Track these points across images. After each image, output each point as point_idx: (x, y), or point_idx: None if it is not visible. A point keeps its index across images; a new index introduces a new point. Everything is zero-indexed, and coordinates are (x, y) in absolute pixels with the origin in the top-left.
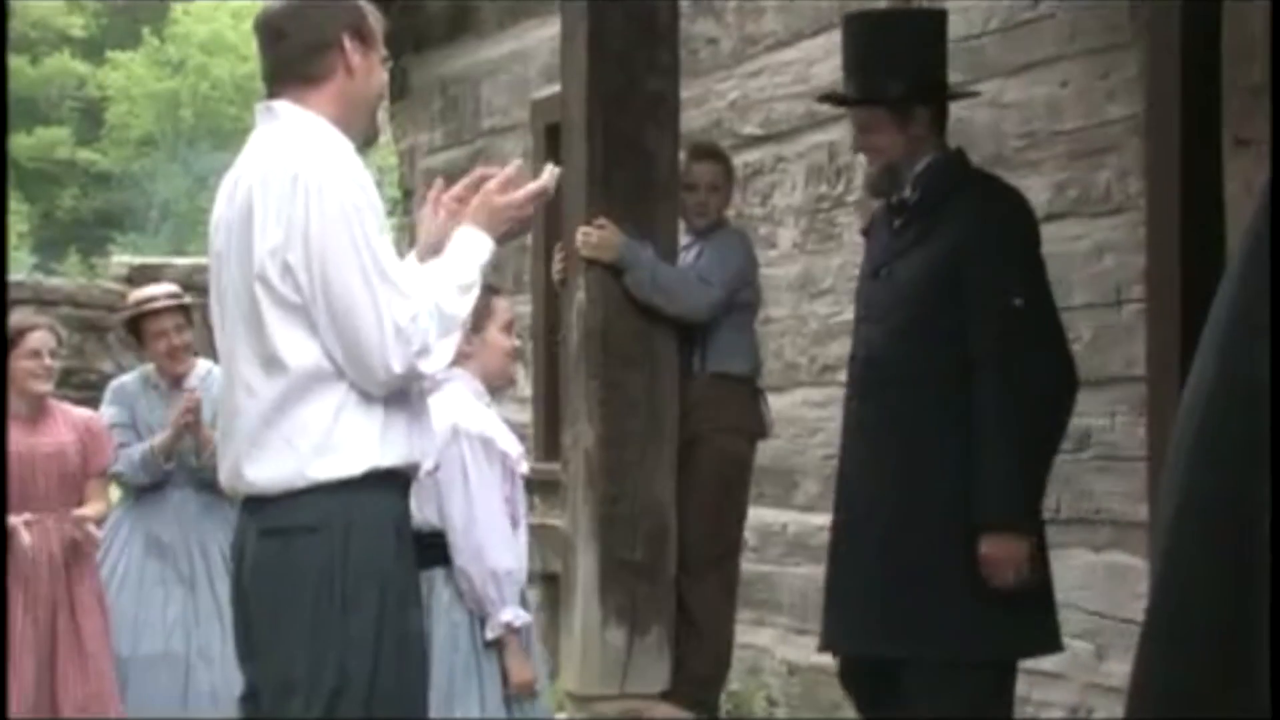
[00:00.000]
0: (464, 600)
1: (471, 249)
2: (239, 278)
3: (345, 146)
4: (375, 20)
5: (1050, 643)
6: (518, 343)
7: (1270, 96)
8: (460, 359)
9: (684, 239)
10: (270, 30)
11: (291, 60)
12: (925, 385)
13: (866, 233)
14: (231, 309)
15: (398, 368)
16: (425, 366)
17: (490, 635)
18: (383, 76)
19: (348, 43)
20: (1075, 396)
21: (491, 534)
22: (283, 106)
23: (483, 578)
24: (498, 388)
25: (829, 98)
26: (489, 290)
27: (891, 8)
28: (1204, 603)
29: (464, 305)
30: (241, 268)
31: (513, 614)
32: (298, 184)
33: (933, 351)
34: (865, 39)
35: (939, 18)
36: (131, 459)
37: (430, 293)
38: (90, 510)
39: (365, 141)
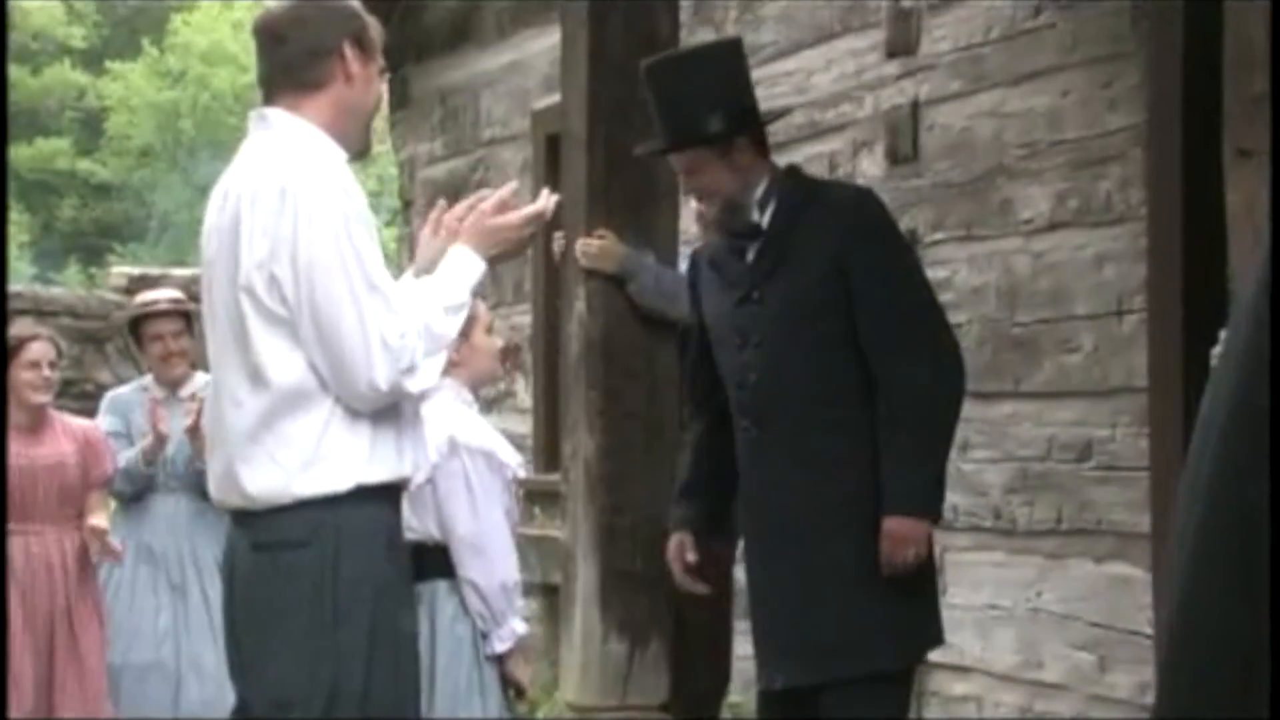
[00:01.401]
0: (469, 613)
1: (462, 269)
2: (226, 289)
3: (337, 156)
4: (376, 32)
5: (939, 637)
6: (500, 342)
7: (1271, 106)
8: (450, 368)
9: None
10: (270, 34)
11: (290, 65)
12: (820, 400)
13: (695, 267)
14: (220, 320)
15: (383, 385)
16: (411, 385)
17: (501, 647)
18: (380, 88)
19: (348, 50)
20: (964, 382)
21: (500, 547)
22: (275, 114)
23: (493, 590)
24: (487, 389)
25: (648, 150)
26: None
27: (685, 48)
28: (1224, 632)
29: (452, 325)
30: (228, 279)
31: (522, 625)
32: (285, 196)
33: (822, 365)
34: (670, 83)
35: (734, 45)
36: (116, 468)
37: (419, 311)
38: (93, 525)
39: (358, 154)
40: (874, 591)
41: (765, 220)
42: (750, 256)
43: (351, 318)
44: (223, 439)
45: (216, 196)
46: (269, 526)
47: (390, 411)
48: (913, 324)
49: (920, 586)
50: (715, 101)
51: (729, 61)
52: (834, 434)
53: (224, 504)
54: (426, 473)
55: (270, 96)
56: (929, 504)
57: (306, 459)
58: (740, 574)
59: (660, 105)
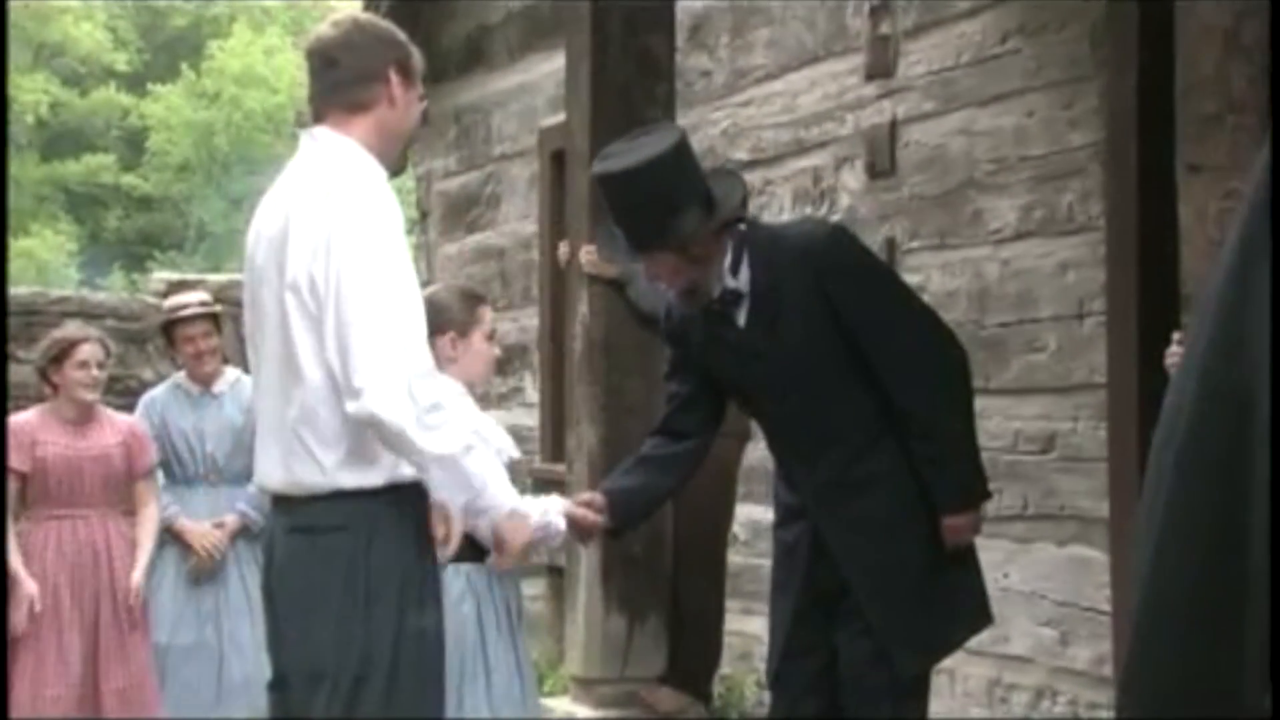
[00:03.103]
0: (473, 594)
1: (493, 489)
2: (276, 288)
3: (379, 173)
4: (418, 60)
5: (988, 614)
6: (498, 351)
7: (1271, 104)
8: (445, 363)
9: None
10: (322, 57)
11: (339, 86)
12: (854, 429)
13: (672, 320)
14: (270, 318)
15: (364, 385)
16: (385, 411)
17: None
18: (418, 113)
19: (394, 76)
20: (967, 366)
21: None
22: (323, 133)
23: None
24: (478, 390)
25: (613, 258)
26: (476, 299)
27: (634, 158)
28: (1193, 607)
29: (440, 444)
30: (278, 279)
31: (555, 528)
32: (331, 203)
33: (846, 398)
34: (624, 194)
35: (680, 145)
36: (165, 508)
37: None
38: (146, 518)
39: (392, 173)
40: (937, 582)
41: (742, 283)
42: (742, 320)
43: (366, 319)
44: (270, 429)
45: (267, 205)
46: (308, 512)
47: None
48: (909, 336)
49: (972, 572)
50: (670, 209)
51: (677, 163)
52: (873, 454)
53: (266, 488)
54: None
55: (319, 115)
56: (973, 493)
57: (345, 454)
58: (732, 556)
59: (617, 214)
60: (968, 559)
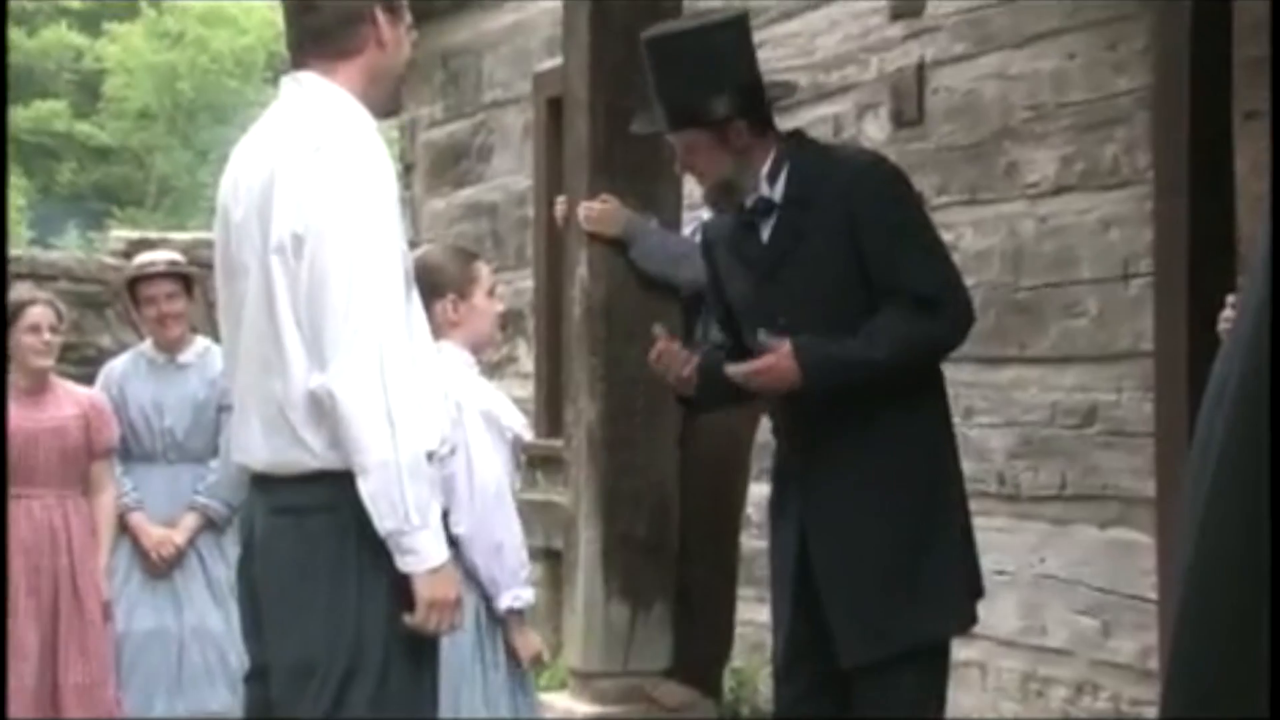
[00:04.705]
0: (471, 582)
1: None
2: (259, 250)
3: (369, 124)
4: None
5: (971, 615)
6: (502, 306)
7: (1270, 90)
8: (448, 329)
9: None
10: (299, 1)
11: (321, 32)
12: None
13: (708, 241)
14: (251, 281)
15: (334, 376)
16: (343, 389)
17: (504, 607)
18: (409, 47)
19: (380, 15)
20: (952, 339)
21: (498, 506)
22: (309, 79)
23: (487, 552)
24: (486, 354)
25: (644, 131)
26: (469, 255)
27: (689, 21)
28: (1234, 598)
29: (387, 448)
30: (261, 241)
31: (513, 596)
32: (321, 161)
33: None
34: (669, 60)
35: (739, 21)
36: (122, 496)
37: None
38: (103, 504)
39: (385, 113)
40: (917, 565)
41: (777, 193)
42: (766, 234)
43: (340, 284)
44: (251, 402)
45: (246, 154)
46: (292, 492)
47: (411, 384)
48: (920, 281)
49: (964, 558)
50: (715, 83)
51: (732, 40)
52: (870, 417)
53: (247, 466)
54: (450, 445)
55: (300, 61)
56: (818, 372)
57: (331, 435)
58: (745, 540)
59: (658, 83)
60: (955, 549)
